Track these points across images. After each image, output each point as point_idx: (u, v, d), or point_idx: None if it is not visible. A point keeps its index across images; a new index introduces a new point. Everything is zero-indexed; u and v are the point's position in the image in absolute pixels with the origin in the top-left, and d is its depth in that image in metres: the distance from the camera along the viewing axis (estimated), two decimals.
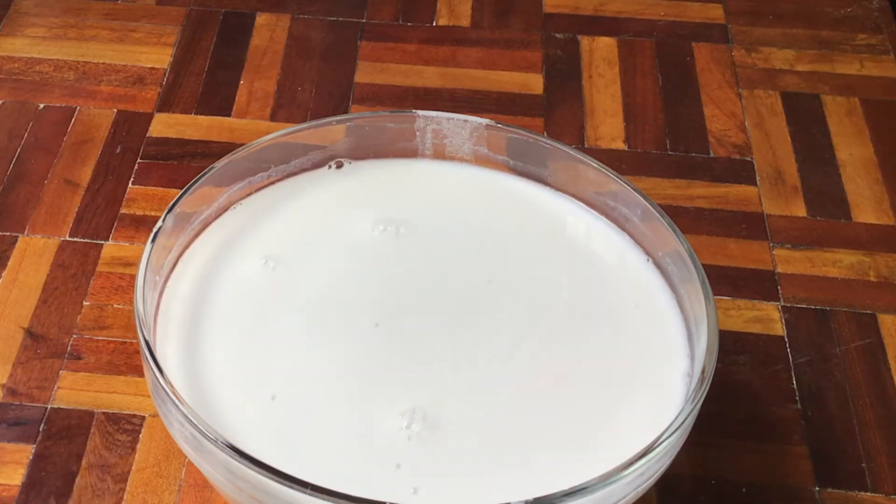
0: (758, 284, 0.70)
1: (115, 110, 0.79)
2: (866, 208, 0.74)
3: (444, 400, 0.51)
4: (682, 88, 0.82)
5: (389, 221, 0.58)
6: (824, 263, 0.71)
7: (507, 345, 0.53)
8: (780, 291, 0.69)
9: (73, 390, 0.63)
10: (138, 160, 0.76)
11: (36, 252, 0.70)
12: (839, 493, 0.60)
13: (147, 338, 0.49)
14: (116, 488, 0.59)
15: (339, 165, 0.60)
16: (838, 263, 0.71)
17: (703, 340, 0.50)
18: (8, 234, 0.71)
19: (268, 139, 0.58)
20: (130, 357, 0.65)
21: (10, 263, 0.69)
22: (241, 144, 0.59)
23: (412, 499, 0.47)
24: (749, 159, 0.77)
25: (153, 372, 0.48)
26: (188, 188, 0.55)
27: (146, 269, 0.51)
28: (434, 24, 0.86)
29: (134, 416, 0.62)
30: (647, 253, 0.57)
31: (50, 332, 0.66)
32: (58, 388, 0.63)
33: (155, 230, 0.53)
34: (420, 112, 0.60)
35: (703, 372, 0.49)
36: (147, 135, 0.77)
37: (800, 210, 0.74)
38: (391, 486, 0.48)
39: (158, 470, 0.60)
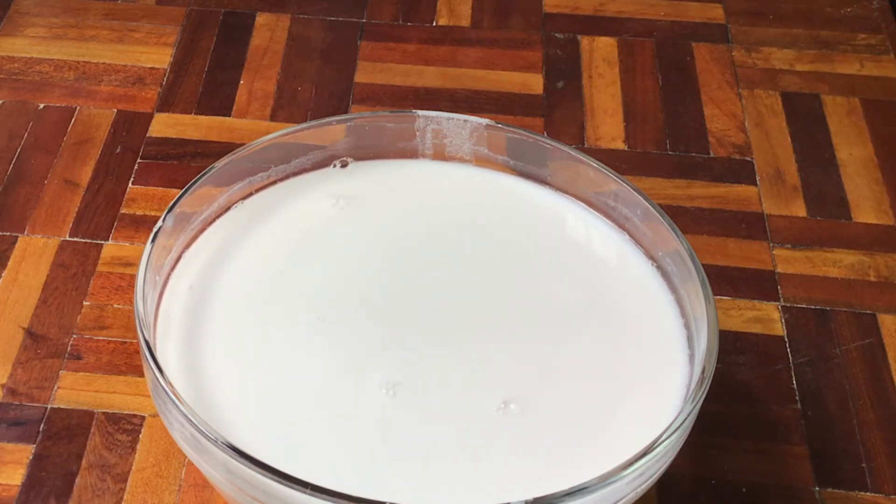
0: (758, 284, 0.70)
1: (115, 110, 0.79)
2: (866, 208, 0.74)
3: (445, 399, 0.51)
4: (682, 88, 0.82)
5: (391, 221, 0.59)
6: (824, 263, 0.71)
7: (506, 345, 0.53)
8: (780, 291, 0.69)
9: (73, 390, 0.63)
10: (138, 160, 0.76)
11: (36, 252, 0.70)
12: (839, 493, 0.60)
13: (147, 338, 0.49)
14: (116, 488, 0.59)
15: (344, 164, 0.60)
16: (838, 263, 0.71)
17: (703, 340, 0.50)
18: (8, 234, 0.71)
19: (268, 139, 0.58)
20: (130, 357, 0.65)
21: (10, 263, 0.69)
22: (241, 144, 0.59)
23: (413, 499, 0.47)
24: (749, 159, 0.77)
25: (153, 372, 0.48)
26: (188, 188, 0.55)
27: (146, 269, 0.51)
28: (434, 24, 0.86)
29: (134, 416, 0.62)
30: (648, 253, 0.57)
31: (50, 332, 0.66)
32: (58, 388, 0.63)
33: (155, 230, 0.53)
34: (420, 112, 0.60)
35: (703, 372, 0.49)
36: (147, 135, 0.77)
37: (800, 210, 0.74)
38: (392, 485, 0.48)
39: (158, 470, 0.60)
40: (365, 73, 0.82)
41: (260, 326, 0.53)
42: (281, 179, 0.59)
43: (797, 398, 0.64)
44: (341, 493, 0.44)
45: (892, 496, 0.60)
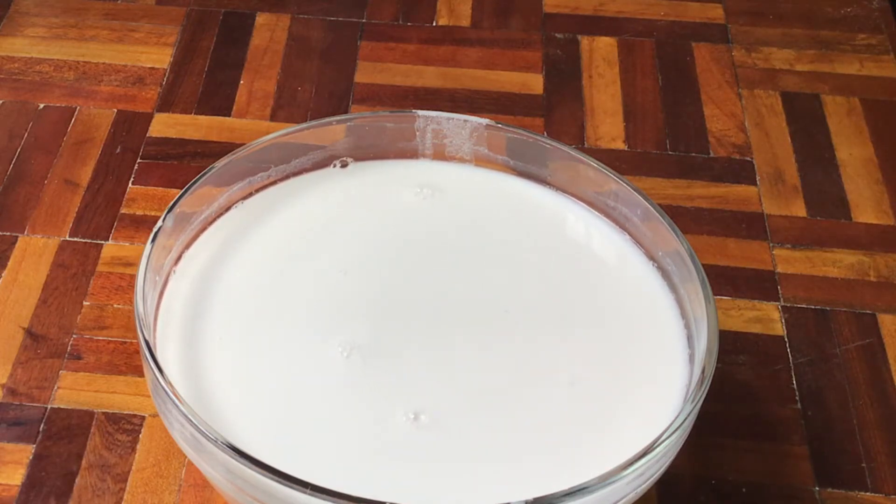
0: (758, 284, 0.70)
1: (115, 110, 0.79)
2: (866, 208, 0.74)
3: (444, 399, 0.51)
4: (682, 88, 0.82)
5: (391, 221, 0.59)
6: (824, 263, 0.71)
7: (507, 344, 0.53)
8: (780, 291, 0.69)
9: (73, 390, 0.63)
10: (138, 160, 0.76)
11: (36, 252, 0.70)
12: (839, 493, 0.60)
13: (147, 338, 0.49)
14: (116, 488, 0.59)
15: (345, 165, 0.60)
16: (838, 263, 0.71)
17: (703, 340, 0.50)
18: (8, 234, 0.71)
19: (268, 139, 0.58)
20: (130, 357, 0.65)
21: (10, 263, 0.69)
22: (241, 144, 0.59)
23: (412, 498, 0.47)
24: (749, 159, 0.77)
25: (153, 372, 0.48)
26: (188, 188, 0.55)
27: (146, 269, 0.51)
28: (434, 24, 0.86)
29: (134, 416, 0.62)
30: (648, 253, 0.57)
31: (50, 332, 0.66)
32: (58, 388, 0.63)
33: (155, 230, 0.53)
34: (420, 112, 0.60)
35: (703, 372, 0.49)
36: (147, 135, 0.77)
37: (800, 210, 0.74)
38: (391, 485, 0.48)
39: (158, 470, 0.60)
40: (365, 73, 0.82)
41: (260, 326, 0.53)
42: (281, 179, 0.59)
43: (797, 398, 0.64)
44: (341, 493, 0.44)
45: (892, 496, 0.60)
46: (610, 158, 0.76)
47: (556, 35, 0.86)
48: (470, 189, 0.60)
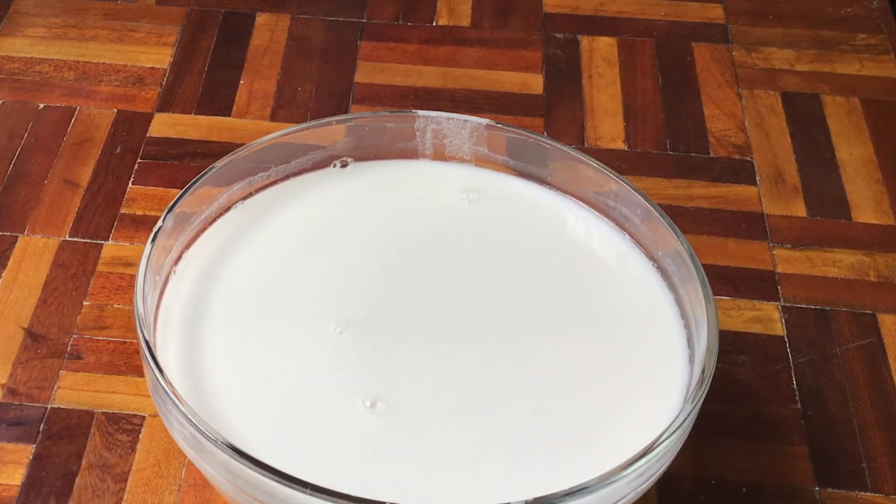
0: (758, 284, 0.70)
1: (115, 110, 0.79)
2: (866, 208, 0.74)
3: (445, 399, 0.51)
4: (682, 88, 0.82)
5: (391, 221, 0.59)
6: (824, 263, 0.71)
7: (507, 344, 0.53)
8: (780, 291, 0.69)
9: (73, 390, 0.63)
10: (138, 160, 0.76)
11: (36, 252, 0.70)
12: (839, 493, 0.60)
13: (147, 338, 0.49)
14: (116, 488, 0.59)
15: (345, 165, 0.60)
16: (838, 263, 0.71)
17: (703, 340, 0.50)
18: (8, 234, 0.71)
19: (268, 139, 0.58)
20: (130, 357, 0.65)
21: (10, 263, 0.69)
22: (241, 144, 0.59)
23: (412, 498, 0.47)
24: (749, 159, 0.77)
25: (153, 372, 0.48)
26: (188, 188, 0.55)
27: (146, 269, 0.51)
28: (434, 24, 0.86)
29: (134, 416, 0.62)
30: (648, 253, 0.57)
31: (50, 332, 0.66)
32: (58, 388, 0.63)
33: (155, 230, 0.53)
34: (420, 112, 0.60)
35: (703, 372, 0.49)
36: (147, 135, 0.77)
37: (800, 210, 0.74)
38: (391, 485, 0.48)
39: (158, 470, 0.60)
40: (365, 73, 0.82)
41: (260, 326, 0.53)
42: (281, 179, 0.59)
43: (797, 398, 0.64)
44: (341, 493, 0.44)
45: (892, 496, 0.60)
46: (610, 158, 0.76)
47: (556, 35, 0.86)
48: (470, 189, 0.60)
